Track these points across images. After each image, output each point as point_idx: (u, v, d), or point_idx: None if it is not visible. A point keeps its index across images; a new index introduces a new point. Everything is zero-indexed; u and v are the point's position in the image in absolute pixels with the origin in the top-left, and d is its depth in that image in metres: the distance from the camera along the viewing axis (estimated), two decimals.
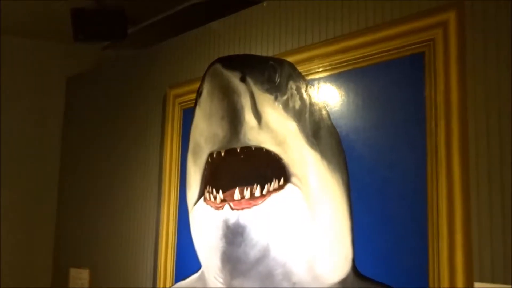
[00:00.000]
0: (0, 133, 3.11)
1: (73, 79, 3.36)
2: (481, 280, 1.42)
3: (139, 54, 2.82)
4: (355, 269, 1.68)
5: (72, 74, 3.35)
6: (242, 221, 1.58)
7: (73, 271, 3.00)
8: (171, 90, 2.50)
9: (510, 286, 1.37)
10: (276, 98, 1.64)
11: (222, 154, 1.60)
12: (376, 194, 1.67)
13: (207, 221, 1.67)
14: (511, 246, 1.38)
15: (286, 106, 1.65)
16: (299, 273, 1.62)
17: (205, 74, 1.61)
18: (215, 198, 1.65)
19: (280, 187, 1.60)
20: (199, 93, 1.66)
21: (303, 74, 1.88)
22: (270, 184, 1.60)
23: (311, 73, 1.89)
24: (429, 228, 1.53)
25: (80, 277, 2.93)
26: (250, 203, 1.59)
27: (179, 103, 2.44)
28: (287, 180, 1.60)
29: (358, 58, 1.78)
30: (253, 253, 1.60)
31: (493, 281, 1.40)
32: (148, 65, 2.73)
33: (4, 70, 3.16)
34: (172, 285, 2.28)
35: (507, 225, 1.39)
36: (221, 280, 1.71)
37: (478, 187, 1.46)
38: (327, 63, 1.86)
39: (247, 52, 2.19)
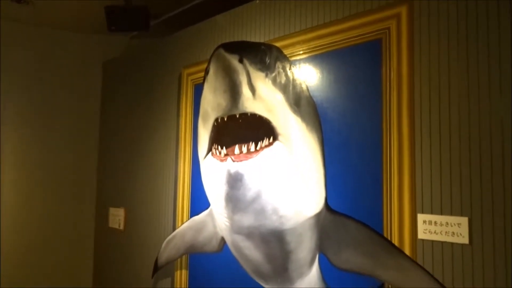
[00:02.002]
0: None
1: (108, 63, 3.31)
2: (423, 212, 1.45)
3: (159, 41, 2.78)
4: (327, 205, 1.70)
5: (107, 59, 3.31)
6: (241, 170, 1.57)
7: (112, 210, 3.02)
8: (185, 70, 2.47)
9: (443, 216, 1.40)
10: (266, 75, 1.61)
11: (225, 119, 1.58)
12: (343, 148, 1.68)
13: (214, 171, 1.67)
14: (446, 187, 1.40)
15: (274, 81, 1.63)
16: (285, 208, 1.63)
17: (211, 57, 1.58)
18: (220, 153, 1.64)
19: (270, 144, 1.58)
20: (206, 71, 1.63)
21: (287, 56, 1.86)
22: (262, 142, 1.59)
23: (294, 55, 1.87)
24: (383, 173, 1.55)
25: (117, 214, 2.95)
26: (247, 156, 1.58)
27: (191, 80, 2.42)
28: (275, 139, 1.59)
29: (330, 43, 1.76)
30: (249, 194, 1.60)
31: (431, 212, 1.43)
32: (167, 50, 2.69)
33: (54, 58, 3.19)
34: (188, 219, 2.31)
35: (444, 171, 1.41)
36: (225, 215, 1.73)
37: (422, 141, 1.47)
38: (306, 47, 1.84)
39: (243, 39, 2.15)
